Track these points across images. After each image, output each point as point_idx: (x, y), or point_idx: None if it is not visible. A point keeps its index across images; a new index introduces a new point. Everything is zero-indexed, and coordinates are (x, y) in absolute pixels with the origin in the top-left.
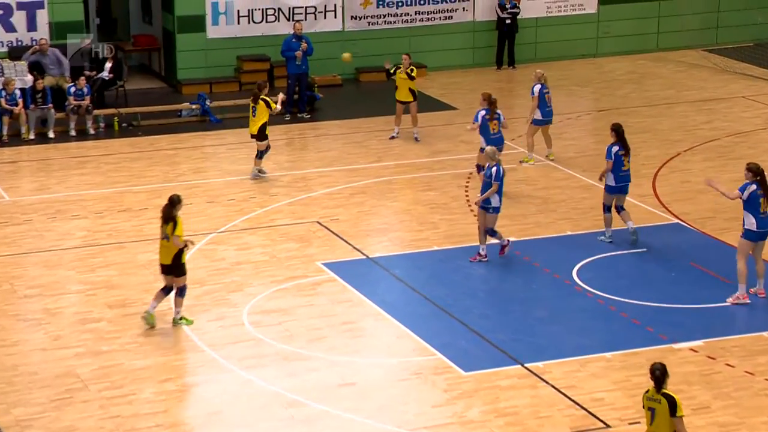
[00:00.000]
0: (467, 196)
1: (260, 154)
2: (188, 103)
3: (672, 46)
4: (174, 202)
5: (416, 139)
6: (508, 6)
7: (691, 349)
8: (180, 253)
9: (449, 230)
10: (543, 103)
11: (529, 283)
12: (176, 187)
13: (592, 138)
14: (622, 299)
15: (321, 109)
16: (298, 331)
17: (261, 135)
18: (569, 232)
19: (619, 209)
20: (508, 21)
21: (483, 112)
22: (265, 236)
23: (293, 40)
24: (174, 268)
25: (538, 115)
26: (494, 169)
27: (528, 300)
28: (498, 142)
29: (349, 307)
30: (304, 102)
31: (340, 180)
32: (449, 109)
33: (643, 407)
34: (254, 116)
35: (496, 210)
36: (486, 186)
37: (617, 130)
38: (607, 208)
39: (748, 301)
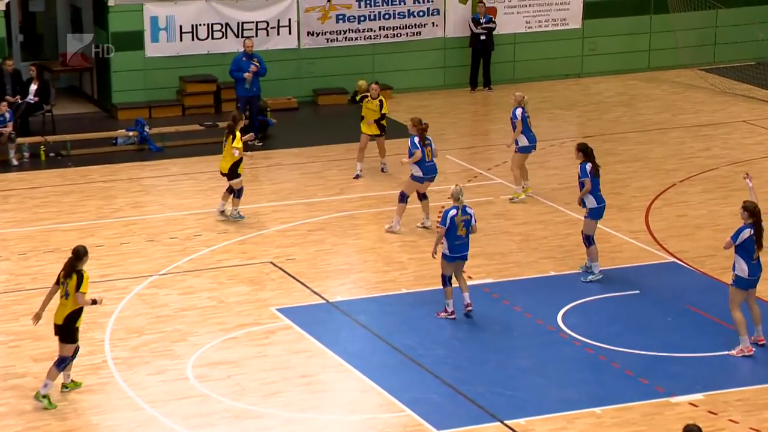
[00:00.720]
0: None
1: (237, 193)
2: (124, 130)
3: (666, 64)
4: (79, 255)
5: (383, 170)
6: (482, 21)
7: (691, 403)
8: (75, 315)
9: (419, 270)
10: (527, 127)
11: (509, 329)
12: (112, 224)
13: (578, 167)
14: (613, 347)
15: (274, 135)
16: (250, 386)
17: (232, 173)
18: (553, 273)
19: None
20: (482, 37)
21: (417, 140)
22: (213, 279)
23: (243, 59)
24: (63, 330)
25: (524, 141)
26: (451, 212)
27: (508, 349)
28: (432, 170)
29: (308, 358)
30: (256, 128)
31: (297, 215)
32: (407, 136)
33: None
34: (224, 146)
35: (444, 256)
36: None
37: (585, 150)
38: (590, 239)
39: (753, 353)
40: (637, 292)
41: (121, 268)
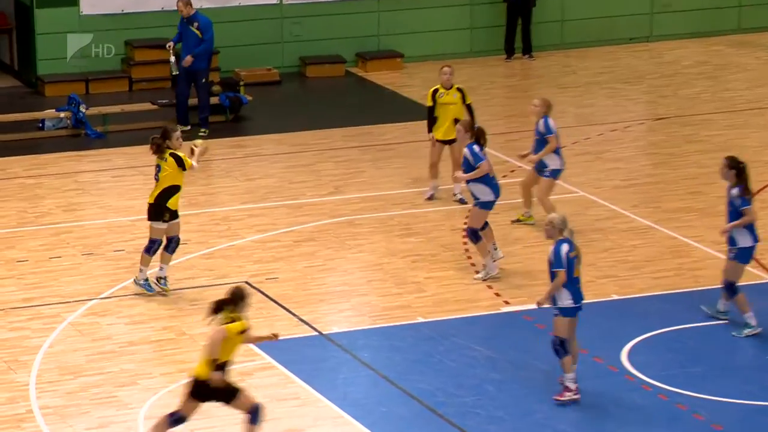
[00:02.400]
0: (465, 243)
1: (169, 247)
2: (54, 110)
3: (762, 24)
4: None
5: (461, 200)
6: None
7: None
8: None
9: (441, 293)
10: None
11: (558, 370)
12: (38, 233)
13: (647, 159)
14: (695, 394)
15: (250, 117)
16: None
17: (159, 210)
18: (615, 296)
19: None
20: None
21: (477, 148)
22: (170, 304)
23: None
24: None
25: (556, 163)
26: (564, 247)
27: (557, 394)
28: (499, 190)
29: (296, 408)
30: (205, 115)
31: (279, 221)
32: None
33: None
34: (157, 179)
35: (566, 311)
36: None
37: (738, 168)
38: (735, 288)
39: None
40: (726, 321)
41: (51, 289)
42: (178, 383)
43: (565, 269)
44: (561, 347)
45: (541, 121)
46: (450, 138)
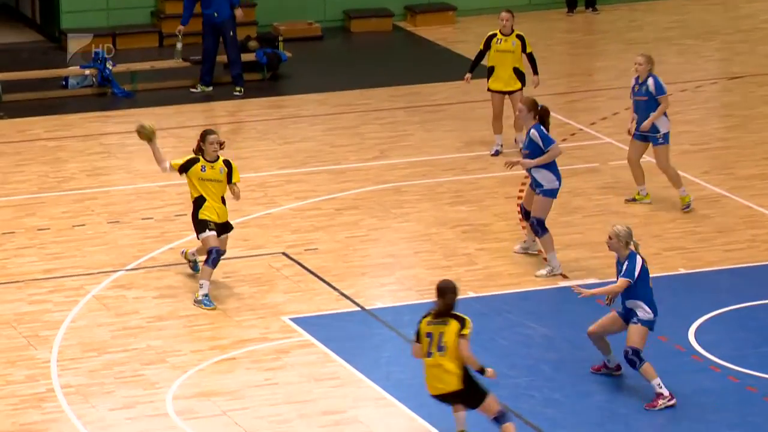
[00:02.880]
0: (520, 212)
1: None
2: (78, 67)
3: None
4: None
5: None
6: None
7: None
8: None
9: (494, 266)
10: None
11: (620, 349)
12: (60, 198)
13: (720, 122)
14: (767, 375)
15: (288, 75)
16: (254, 426)
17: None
18: (682, 270)
19: None
20: None
21: (544, 130)
22: None
23: None
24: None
25: (666, 126)
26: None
27: (619, 376)
28: (560, 175)
29: (335, 388)
30: (238, 71)
31: (320, 188)
32: None
33: None
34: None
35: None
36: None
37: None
38: None
39: None
40: None
41: (74, 260)
42: (209, 361)
43: (634, 280)
44: (636, 357)
45: (651, 80)
46: (510, 89)
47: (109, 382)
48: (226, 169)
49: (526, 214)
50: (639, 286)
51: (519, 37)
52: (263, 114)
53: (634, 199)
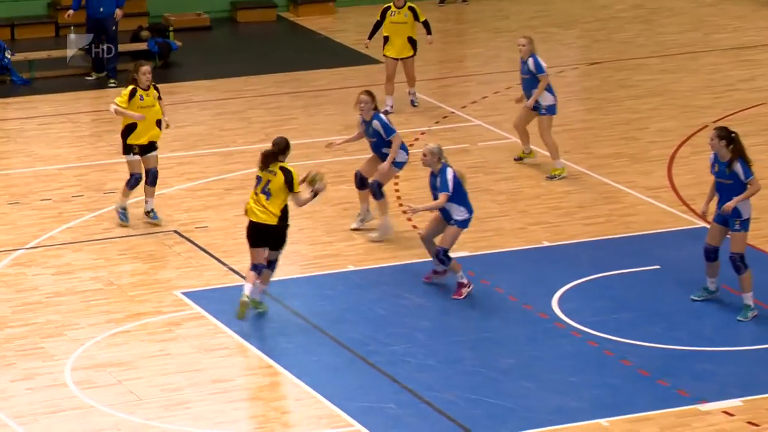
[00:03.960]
0: (397, 190)
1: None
2: None
3: None
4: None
5: (414, 103)
6: None
7: (725, 412)
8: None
9: (371, 242)
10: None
11: (489, 317)
12: None
13: (580, 104)
14: (624, 339)
15: (179, 63)
16: (148, 394)
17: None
18: (546, 243)
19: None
20: None
21: (386, 119)
22: (98, 253)
23: None
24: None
25: (549, 99)
26: (449, 172)
27: (487, 343)
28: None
29: (224, 357)
30: (114, 63)
31: (209, 169)
32: (370, 63)
33: None
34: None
35: (461, 224)
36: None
37: (731, 139)
38: (744, 260)
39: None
40: (657, 267)
41: None
42: (105, 334)
43: (450, 193)
44: (445, 257)
45: (530, 60)
46: (403, 56)
47: (10, 354)
48: (157, 94)
49: (361, 181)
50: (454, 193)
51: (411, 8)
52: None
53: (520, 158)
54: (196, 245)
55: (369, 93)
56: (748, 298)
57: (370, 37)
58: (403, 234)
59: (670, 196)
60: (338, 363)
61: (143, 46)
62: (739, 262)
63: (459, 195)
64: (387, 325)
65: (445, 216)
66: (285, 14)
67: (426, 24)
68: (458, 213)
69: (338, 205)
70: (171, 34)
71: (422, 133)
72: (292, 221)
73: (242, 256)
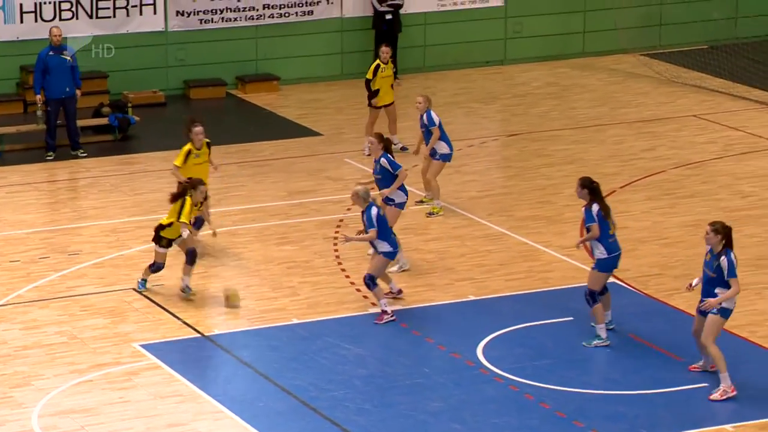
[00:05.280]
0: (336, 250)
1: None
2: None
3: (603, 49)
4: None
5: (404, 148)
6: None
7: None
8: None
9: (313, 297)
10: (443, 133)
11: (420, 365)
12: None
13: (500, 171)
14: (542, 384)
15: (137, 136)
16: None
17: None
18: (472, 297)
19: (604, 290)
20: (388, 17)
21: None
22: (62, 310)
23: (50, 53)
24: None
25: (444, 148)
26: (374, 210)
27: (418, 388)
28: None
29: (178, 404)
30: (74, 138)
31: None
32: (311, 135)
33: None
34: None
35: (386, 255)
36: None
37: (591, 188)
38: (596, 297)
39: (735, 393)
40: (571, 318)
41: None
42: (69, 383)
43: (377, 228)
44: (371, 281)
45: (425, 115)
46: (388, 102)
47: None
48: (208, 150)
49: None
50: (379, 229)
51: (393, 63)
52: (116, 170)
53: (422, 201)
54: (153, 302)
55: (378, 135)
56: (601, 330)
57: (370, 97)
58: (342, 289)
59: (582, 254)
60: (284, 408)
61: (104, 120)
62: (587, 297)
63: (383, 232)
64: (328, 373)
65: (375, 248)
66: (233, 91)
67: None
68: (382, 246)
69: (282, 264)
70: (130, 109)
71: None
72: (240, 280)
73: (195, 311)
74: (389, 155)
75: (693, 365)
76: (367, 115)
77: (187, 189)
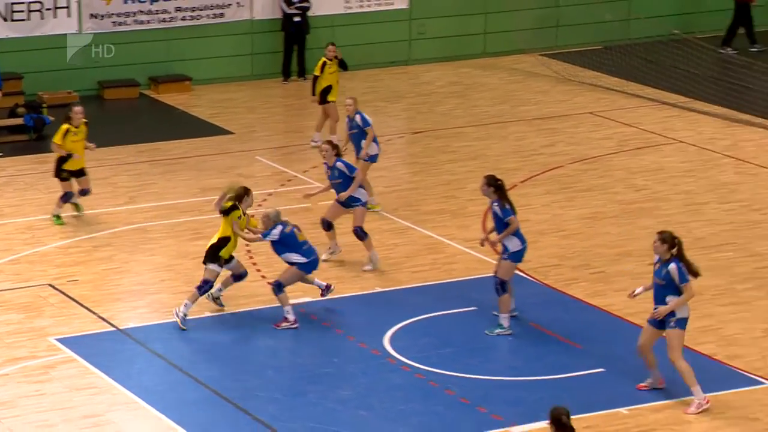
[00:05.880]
0: (248, 245)
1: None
2: None
3: (503, 49)
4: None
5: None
6: (295, 0)
7: None
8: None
9: (226, 290)
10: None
11: (329, 355)
12: None
13: (406, 168)
14: (447, 372)
15: (52, 136)
16: (24, 430)
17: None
18: (378, 289)
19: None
20: (296, 19)
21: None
22: None
23: None
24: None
25: (374, 150)
26: (277, 228)
27: (327, 377)
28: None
29: (93, 395)
30: None
31: (80, 229)
32: (222, 134)
33: None
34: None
35: (299, 266)
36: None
37: (497, 185)
38: (506, 286)
39: (709, 405)
40: (474, 308)
41: None
42: None
43: (269, 241)
44: (278, 287)
45: (358, 116)
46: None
47: None
48: (85, 129)
49: (327, 225)
50: (285, 244)
51: (341, 60)
52: (31, 168)
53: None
54: (68, 296)
55: (329, 142)
56: (504, 319)
57: (314, 93)
58: (254, 282)
59: (485, 247)
60: (197, 398)
61: (20, 121)
62: (498, 286)
63: (291, 246)
64: (240, 363)
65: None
66: (147, 91)
67: (343, 63)
68: (295, 258)
69: (196, 259)
70: (44, 110)
71: (269, 195)
72: (154, 275)
73: (110, 305)
74: (342, 159)
75: (641, 384)
76: (276, 113)
77: (242, 196)
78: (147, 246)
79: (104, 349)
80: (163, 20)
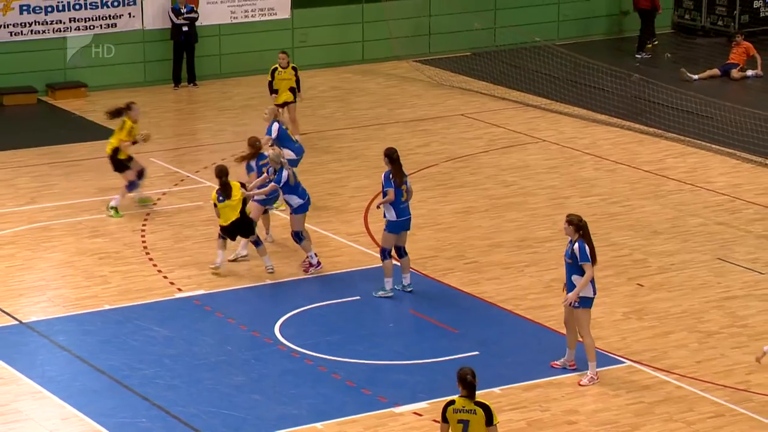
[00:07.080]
0: (144, 241)
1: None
2: None
3: (380, 56)
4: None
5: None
6: (183, 11)
7: (415, 413)
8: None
9: (124, 284)
10: (289, 140)
11: (223, 344)
12: None
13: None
14: (334, 357)
15: None
16: None
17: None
18: (269, 281)
19: (402, 252)
20: (185, 29)
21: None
22: None
23: None
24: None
25: (290, 155)
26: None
27: (222, 364)
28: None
29: None
30: None
31: None
32: None
33: (446, 421)
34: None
35: (299, 209)
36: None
37: (390, 157)
38: (387, 253)
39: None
40: (358, 297)
41: None
42: None
43: (280, 186)
44: (297, 237)
45: (275, 125)
46: (287, 101)
47: None
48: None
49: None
50: (288, 185)
51: (294, 67)
52: None
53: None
54: None
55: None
56: (387, 282)
57: (271, 93)
58: (150, 276)
59: (367, 240)
60: (99, 386)
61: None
62: (381, 253)
63: (293, 187)
64: (139, 353)
65: (288, 204)
66: (44, 98)
67: (298, 81)
68: (295, 201)
69: (94, 255)
70: None
71: (163, 194)
72: (56, 271)
73: (13, 300)
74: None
75: (554, 362)
76: (168, 117)
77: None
78: (49, 244)
79: (9, 342)
80: (59, 30)
